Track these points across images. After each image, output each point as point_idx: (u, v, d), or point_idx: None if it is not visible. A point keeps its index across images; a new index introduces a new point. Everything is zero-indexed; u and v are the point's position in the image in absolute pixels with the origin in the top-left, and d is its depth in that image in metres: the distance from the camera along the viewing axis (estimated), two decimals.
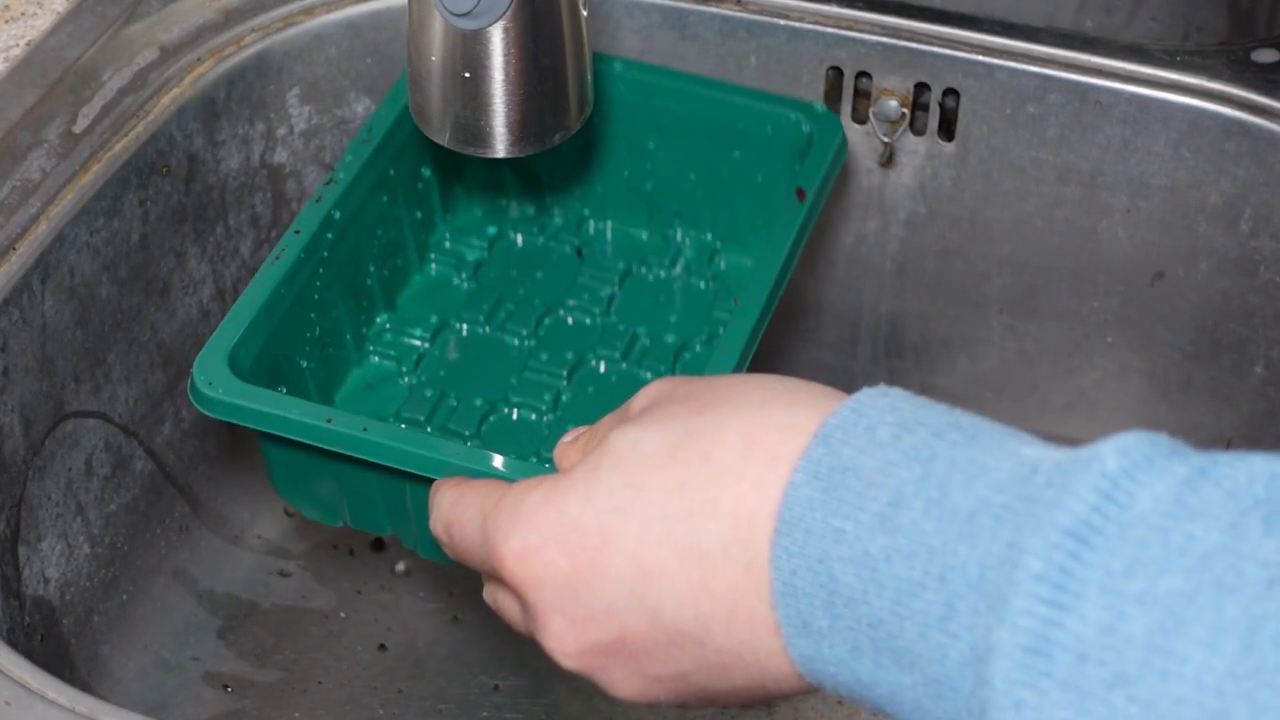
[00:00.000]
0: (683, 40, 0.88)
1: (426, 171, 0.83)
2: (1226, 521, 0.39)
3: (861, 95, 0.88)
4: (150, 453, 0.87)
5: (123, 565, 0.86)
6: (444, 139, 0.72)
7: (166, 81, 0.84)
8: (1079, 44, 0.85)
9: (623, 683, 0.51)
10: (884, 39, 0.86)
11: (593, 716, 0.86)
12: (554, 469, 0.57)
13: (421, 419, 0.76)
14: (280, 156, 0.90)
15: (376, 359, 0.80)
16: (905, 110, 0.87)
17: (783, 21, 0.87)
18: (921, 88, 0.87)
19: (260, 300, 0.71)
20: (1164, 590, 0.38)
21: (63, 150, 0.79)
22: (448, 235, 0.85)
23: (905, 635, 0.43)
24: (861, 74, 0.87)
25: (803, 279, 0.94)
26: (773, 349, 0.96)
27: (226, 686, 0.87)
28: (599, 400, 0.77)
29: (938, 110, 0.87)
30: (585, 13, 0.70)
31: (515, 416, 0.77)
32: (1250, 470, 0.40)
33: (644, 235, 0.86)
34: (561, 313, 0.82)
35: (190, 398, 0.68)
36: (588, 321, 0.82)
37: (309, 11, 0.88)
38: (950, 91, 0.86)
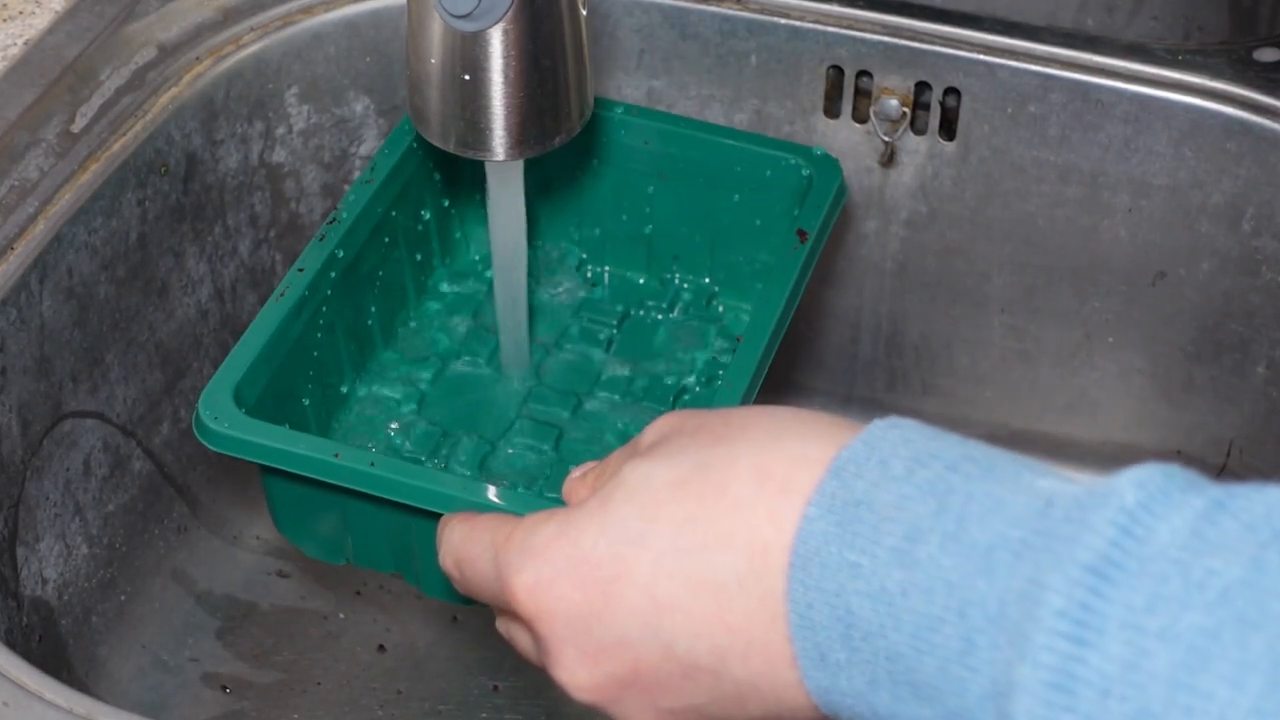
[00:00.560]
0: (683, 39, 0.88)
1: (427, 214, 0.83)
2: (1246, 555, 0.39)
3: (862, 94, 0.88)
4: (148, 453, 0.86)
5: (121, 566, 0.86)
6: (443, 143, 0.71)
7: (165, 81, 0.84)
8: (1080, 43, 0.85)
9: (636, 715, 0.51)
10: (885, 38, 0.86)
11: (593, 717, 0.86)
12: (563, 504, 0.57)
13: (423, 458, 0.76)
14: (279, 156, 0.90)
15: (377, 397, 0.79)
16: (906, 109, 0.87)
17: (783, 21, 0.87)
18: (922, 87, 0.86)
19: (265, 336, 0.70)
20: (1186, 626, 0.38)
21: (61, 149, 0.79)
22: (446, 277, 0.85)
23: (924, 669, 0.43)
24: (862, 73, 0.87)
25: None
26: None
27: (225, 687, 0.87)
28: (600, 440, 0.77)
29: (939, 109, 0.87)
30: (585, 13, 0.70)
31: (516, 455, 0.76)
32: (1268, 502, 0.40)
33: (641, 279, 0.86)
34: (561, 354, 0.82)
35: (196, 433, 0.68)
36: (588, 361, 0.81)
37: (308, 10, 0.88)
38: (951, 91, 0.86)
